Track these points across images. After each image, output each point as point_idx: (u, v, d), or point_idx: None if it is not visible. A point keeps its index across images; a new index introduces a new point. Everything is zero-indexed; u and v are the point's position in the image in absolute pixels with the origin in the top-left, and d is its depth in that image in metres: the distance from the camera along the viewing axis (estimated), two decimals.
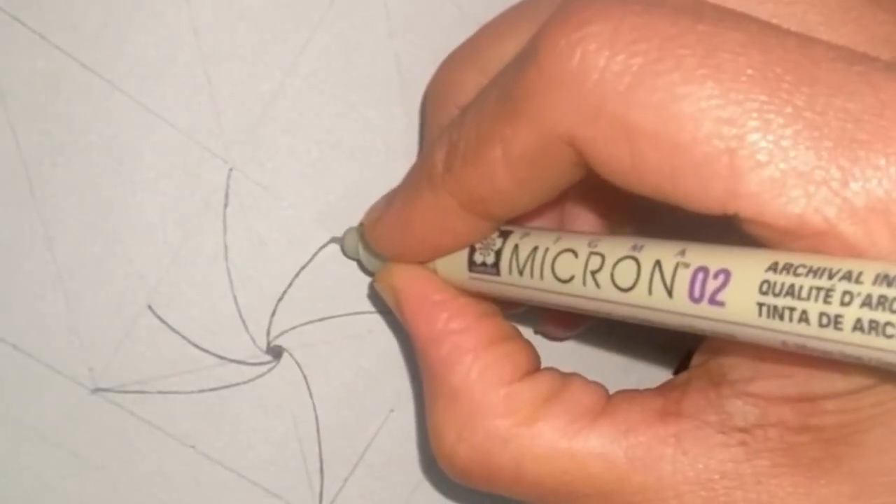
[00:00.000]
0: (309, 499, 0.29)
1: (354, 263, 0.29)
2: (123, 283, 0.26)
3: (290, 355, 0.28)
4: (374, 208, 0.25)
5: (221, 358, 0.28)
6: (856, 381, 0.19)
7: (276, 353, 0.28)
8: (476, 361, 0.22)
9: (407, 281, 0.24)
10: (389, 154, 0.28)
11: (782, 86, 0.16)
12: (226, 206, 0.27)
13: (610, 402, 0.22)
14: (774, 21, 0.18)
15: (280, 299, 0.28)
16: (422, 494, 0.30)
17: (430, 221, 0.22)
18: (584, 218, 0.26)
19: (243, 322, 0.28)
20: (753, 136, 0.16)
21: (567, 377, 0.23)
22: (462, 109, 0.22)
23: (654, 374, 0.32)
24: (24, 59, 0.25)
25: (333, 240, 0.28)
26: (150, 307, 0.27)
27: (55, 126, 0.25)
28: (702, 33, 0.17)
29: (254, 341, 0.28)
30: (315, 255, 0.28)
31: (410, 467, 0.30)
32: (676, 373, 0.31)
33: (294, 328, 0.28)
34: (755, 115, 0.16)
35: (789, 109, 0.16)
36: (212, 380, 0.28)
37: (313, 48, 0.27)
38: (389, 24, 0.28)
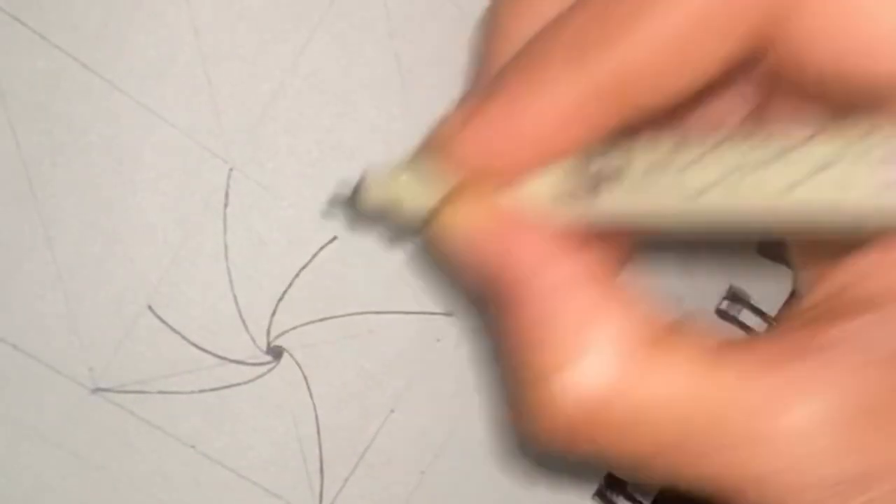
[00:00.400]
0: (309, 499, 0.29)
1: (355, 263, 0.28)
2: (123, 282, 0.27)
3: (291, 355, 0.28)
4: (449, 118, 0.20)
5: (221, 358, 0.28)
6: None
7: (276, 353, 0.28)
8: (597, 288, 0.19)
9: (491, 206, 0.20)
10: (389, 154, 0.28)
11: None
12: (226, 205, 0.27)
13: (739, 340, 0.19)
14: None
15: (280, 299, 0.28)
16: (422, 494, 0.30)
17: (548, 115, 0.18)
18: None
19: (243, 322, 0.28)
20: None
21: (678, 318, 0.19)
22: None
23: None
24: (24, 59, 0.25)
25: (336, 198, 0.26)
26: (150, 307, 0.27)
27: (55, 126, 0.25)
28: None
29: (254, 341, 0.28)
30: (315, 255, 0.28)
31: (411, 467, 0.30)
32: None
33: (294, 328, 0.28)
34: None
35: None
36: (212, 380, 0.28)
37: (313, 48, 0.27)
38: (389, 24, 0.28)
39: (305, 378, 0.28)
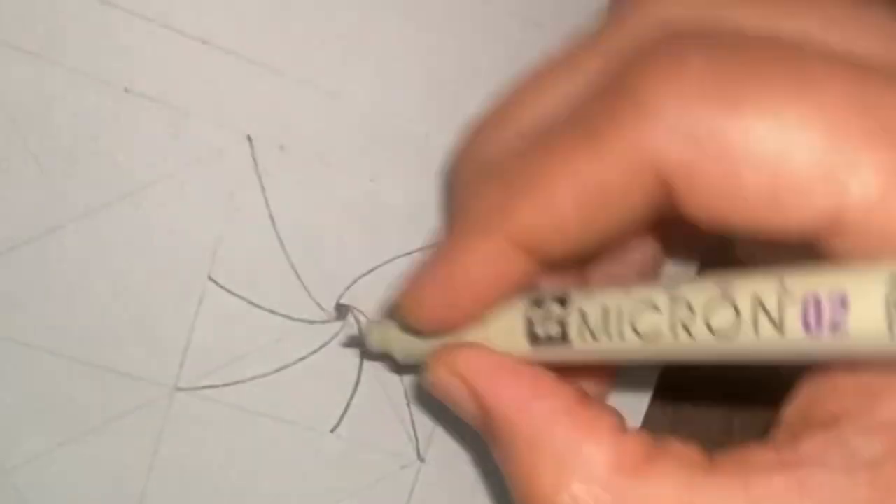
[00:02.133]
0: (410, 450, 0.30)
1: (394, 203, 0.28)
2: (179, 271, 0.27)
3: (358, 311, 0.28)
4: (409, 279, 0.23)
5: (289, 318, 0.28)
6: None
7: (342, 311, 0.28)
8: (578, 420, 0.21)
9: (472, 358, 0.22)
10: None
11: (881, 102, 0.16)
12: (258, 173, 0.27)
13: (714, 456, 0.21)
14: (839, 46, 0.18)
15: (332, 256, 0.28)
16: None
17: (479, 270, 0.21)
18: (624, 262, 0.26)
19: (304, 286, 0.28)
20: (857, 144, 0.16)
21: (660, 436, 0.22)
22: (511, 156, 0.21)
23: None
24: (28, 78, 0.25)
25: (350, 341, 0.28)
26: (210, 278, 0.27)
27: (70, 128, 0.26)
28: (791, 59, 0.17)
29: (318, 304, 0.28)
30: (353, 203, 0.28)
31: None
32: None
33: (354, 283, 0.28)
34: (855, 124, 0.16)
35: (888, 113, 0.16)
36: (290, 352, 0.28)
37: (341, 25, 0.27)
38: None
39: None
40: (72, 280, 0.26)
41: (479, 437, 0.30)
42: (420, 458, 0.30)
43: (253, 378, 0.28)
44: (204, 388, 0.27)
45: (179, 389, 0.27)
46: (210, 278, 0.27)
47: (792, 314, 0.17)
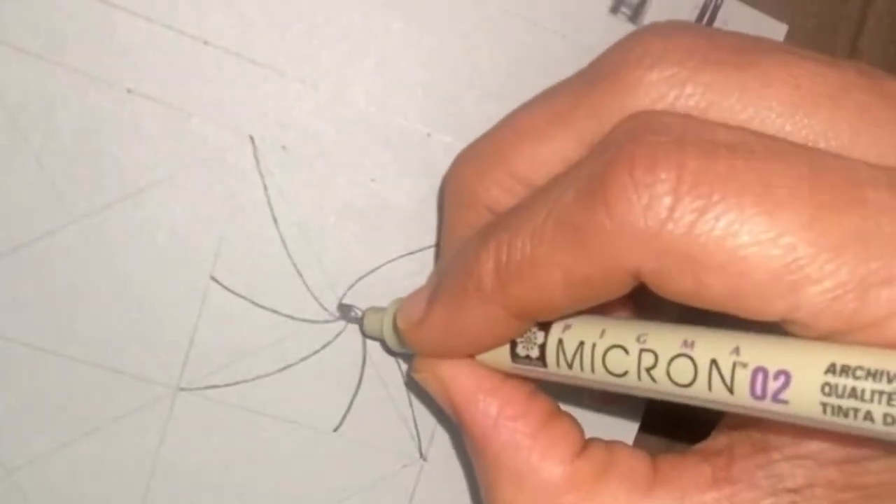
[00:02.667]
0: (412, 447, 0.30)
1: (395, 202, 0.28)
2: (181, 275, 0.27)
3: (360, 310, 0.28)
4: (410, 308, 0.25)
5: (292, 318, 0.28)
6: None
7: (345, 311, 0.28)
8: (537, 444, 0.23)
9: (454, 373, 0.25)
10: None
11: (833, 213, 0.18)
12: (260, 173, 0.27)
13: (658, 468, 0.23)
14: (809, 135, 0.20)
15: (333, 257, 0.28)
16: None
17: (476, 328, 0.23)
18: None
19: (307, 287, 0.28)
20: (811, 260, 0.18)
21: (612, 445, 0.24)
22: (507, 218, 0.22)
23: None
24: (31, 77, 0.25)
25: (343, 316, 0.28)
26: (213, 278, 0.27)
27: (71, 130, 0.26)
28: (756, 171, 0.18)
29: (321, 304, 0.28)
30: (353, 203, 0.28)
31: None
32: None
33: (357, 282, 0.28)
34: (811, 241, 0.18)
35: (841, 232, 0.18)
36: (292, 352, 0.28)
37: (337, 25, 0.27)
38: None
39: None
40: (74, 281, 0.26)
41: None
42: (422, 456, 0.30)
43: (255, 378, 0.28)
44: (207, 388, 0.27)
45: (182, 389, 0.27)
46: (213, 278, 0.27)
47: (741, 380, 0.19)
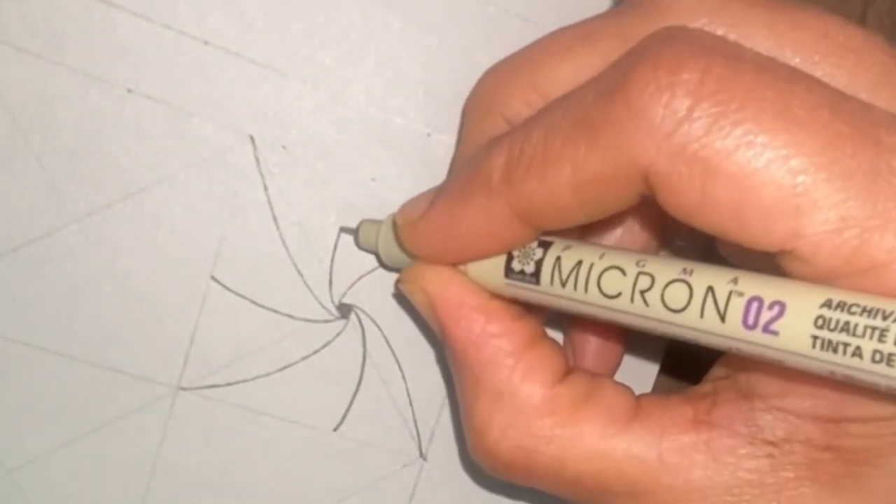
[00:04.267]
0: (412, 446, 0.30)
1: (396, 202, 0.28)
2: (181, 274, 0.27)
3: (360, 310, 0.28)
4: (411, 206, 0.25)
5: (292, 317, 0.28)
6: (883, 410, 0.20)
7: (345, 311, 0.28)
8: (518, 364, 0.23)
9: (440, 284, 0.24)
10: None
11: (847, 144, 0.18)
12: (261, 174, 0.27)
13: (641, 406, 0.23)
14: (830, 77, 0.20)
15: (333, 257, 0.28)
16: None
17: (478, 227, 0.23)
18: (621, 233, 0.27)
19: (307, 286, 0.28)
20: (819, 185, 0.18)
21: (597, 378, 0.24)
22: (523, 122, 0.22)
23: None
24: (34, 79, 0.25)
25: (343, 230, 0.28)
26: (213, 278, 0.27)
27: (74, 131, 0.26)
28: (779, 90, 0.18)
29: (321, 304, 0.28)
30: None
31: None
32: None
33: (357, 282, 0.28)
34: (822, 166, 0.18)
35: (853, 164, 0.18)
36: (293, 351, 0.28)
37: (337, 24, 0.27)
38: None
39: (380, 328, 0.29)
40: (74, 280, 0.26)
41: None
42: (422, 456, 0.30)
43: (256, 377, 0.28)
44: (207, 387, 0.27)
45: (183, 389, 0.27)
46: (213, 278, 0.27)
47: (735, 308, 0.19)
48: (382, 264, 0.28)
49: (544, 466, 0.23)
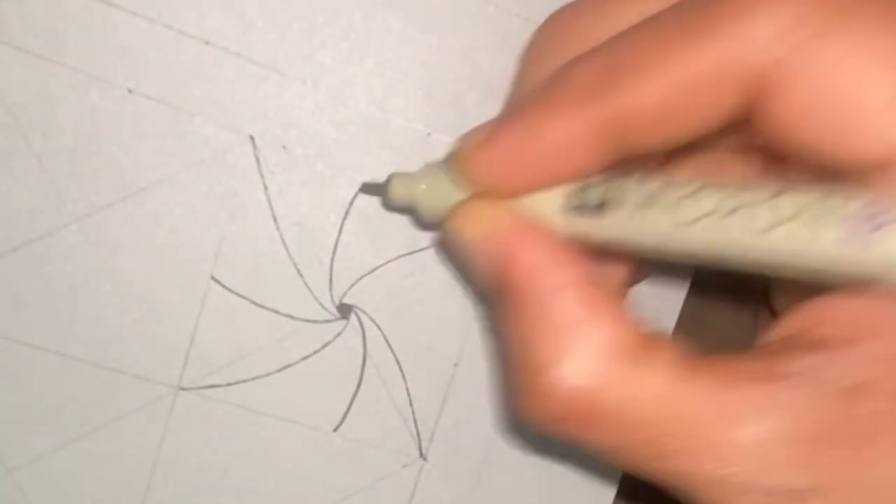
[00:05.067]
0: (412, 446, 0.30)
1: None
2: (182, 275, 0.27)
3: (360, 310, 0.28)
4: (475, 131, 0.22)
5: (292, 318, 0.28)
6: None
7: (345, 311, 0.28)
8: (589, 297, 0.21)
9: (502, 213, 0.22)
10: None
11: None
12: (261, 175, 0.27)
13: (709, 357, 0.21)
14: None
15: (332, 259, 0.28)
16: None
17: (559, 144, 0.21)
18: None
19: (307, 286, 0.28)
20: None
21: (659, 332, 0.22)
22: (613, 36, 0.21)
23: None
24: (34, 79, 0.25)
25: (366, 188, 0.27)
26: (213, 278, 0.27)
27: (73, 131, 0.26)
28: (890, 8, 0.18)
29: (321, 304, 0.28)
30: (350, 203, 0.28)
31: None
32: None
33: (356, 282, 0.28)
34: None
35: None
36: (293, 351, 0.28)
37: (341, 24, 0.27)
38: None
39: (380, 328, 0.29)
40: (75, 280, 0.26)
41: (481, 434, 0.30)
42: (422, 456, 0.30)
43: (256, 377, 0.28)
44: (207, 387, 0.27)
45: (183, 389, 0.27)
46: (213, 278, 0.27)
47: (832, 213, 0.18)
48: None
49: (608, 411, 0.20)
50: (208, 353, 0.27)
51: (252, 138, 0.27)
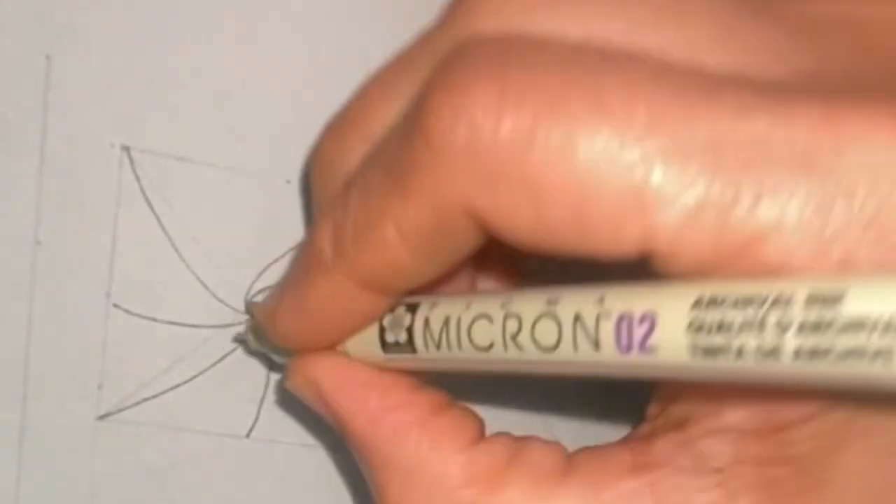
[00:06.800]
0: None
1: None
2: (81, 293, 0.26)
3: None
4: (266, 299, 0.23)
5: (204, 326, 0.27)
6: (816, 405, 0.19)
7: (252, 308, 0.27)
8: (425, 432, 0.21)
9: (325, 370, 0.23)
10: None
11: (679, 117, 0.16)
12: (141, 186, 0.26)
13: (572, 460, 0.21)
14: (668, 47, 0.18)
15: (233, 257, 0.27)
16: None
17: (327, 306, 0.21)
18: (495, 272, 0.26)
19: (210, 291, 0.27)
20: (658, 174, 0.16)
21: (522, 439, 0.22)
22: (343, 187, 0.21)
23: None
24: None
25: (237, 338, 0.27)
26: (115, 305, 0.26)
27: None
28: (588, 81, 0.17)
29: (227, 304, 0.27)
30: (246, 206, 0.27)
31: None
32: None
33: (259, 276, 0.28)
34: (655, 153, 0.16)
35: (689, 141, 0.16)
36: (207, 357, 0.27)
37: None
38: None
39: None
40: None
41: None
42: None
43: (173, 390, 0.27)
44: (125, 409, 0.26)
45: (100, 418, 0.26)
46: (114, 305, 0.26)
47: (606, 332, 0.17)
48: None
49: None
50: (122, 378, 0.26)
51: (127, 149, 0.26)
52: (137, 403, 0.26)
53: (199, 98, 0.27)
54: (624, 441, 0.21)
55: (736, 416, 0.20)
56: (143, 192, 0.26)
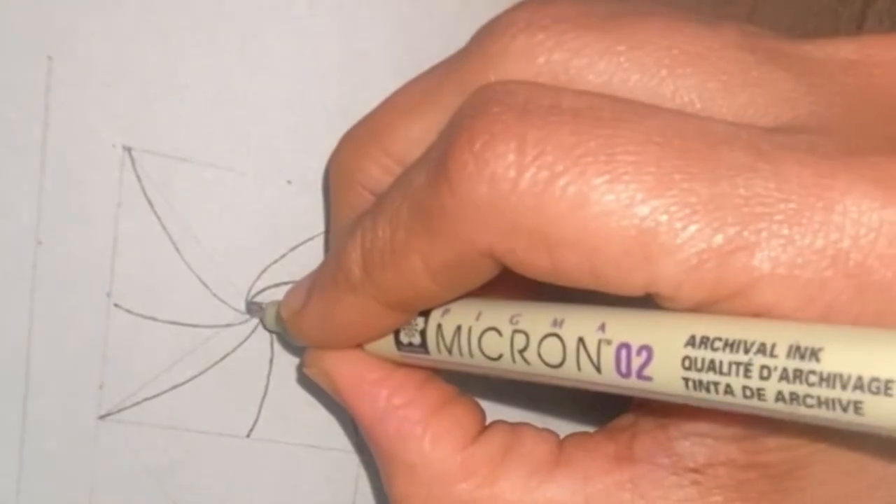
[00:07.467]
0: (347, 443, 0.30)
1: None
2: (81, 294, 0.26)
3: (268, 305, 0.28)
4: (293, 297, 0.24)
5: (206, 326, 0.27)
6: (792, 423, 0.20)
7: (253, 309, 0.28)
8: (427, 431, 0.22)
9: (339, 364, 0.24)
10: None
11: (684, 176, 0.17)
12: (142, 187, 0.26)
13: (563, 449, 0.22)
14: (678, 96, 0.20)
15: (234, 256, 0.27)
16: None
17: (352, 321, 0.23)
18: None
19: (210, 290, 0.27)
20: (663, 229, 0.17)
21: (516, 428, 0.23)
22: (371, 208, 0.22)
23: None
24: None
25: (250, 310, 0.28)
26: (116, 305, 0.26)
27: None
28: (601, 137, 0.18)
29: (227, 304, 0.27)
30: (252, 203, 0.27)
31: None
32: None
33: (259, 276, 0.28)
34: (661, 210, 0.17)
35: (693, 198, 0.17)
36: (206, 358, 0.27)
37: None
38: None
39: None
40: None
41: None
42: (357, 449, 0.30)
43: (173, 389, 0.27)
44: (130, 407, 0.26)
45: (102, 418, 0.26)
46: (115, 305, 0.26)
47: (607, 357, 0.19)
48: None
49: None
50: (122, 379, 0.26)
51: (129, 149, 0.26)
52: (138, 403, 0.27)
53: (200, 99, 0.27)
54: (609, 432, 0.23)
55: (713, 422, 0.21)
56: (145, 193, 0.26)
